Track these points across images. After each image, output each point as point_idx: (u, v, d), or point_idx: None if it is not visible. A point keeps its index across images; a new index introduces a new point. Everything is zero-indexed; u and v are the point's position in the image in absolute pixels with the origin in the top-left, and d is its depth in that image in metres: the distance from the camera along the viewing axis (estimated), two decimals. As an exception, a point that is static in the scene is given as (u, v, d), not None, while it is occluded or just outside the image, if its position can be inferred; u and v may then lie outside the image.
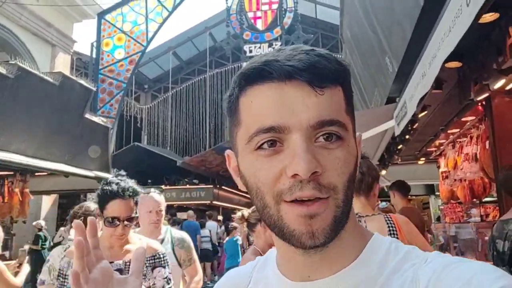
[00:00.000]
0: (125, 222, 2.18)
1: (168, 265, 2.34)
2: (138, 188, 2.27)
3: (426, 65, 2.75)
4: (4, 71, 6.20)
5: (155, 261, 2.30)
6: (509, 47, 2.67)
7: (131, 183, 2.26)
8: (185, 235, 3.21)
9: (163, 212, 2.98)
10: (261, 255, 2.66)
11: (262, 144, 0.60)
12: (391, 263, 0.63)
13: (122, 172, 2.34)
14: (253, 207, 3.26)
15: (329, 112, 0.59)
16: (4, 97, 6.34)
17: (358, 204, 2.34)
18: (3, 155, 6.10)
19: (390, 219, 2.25)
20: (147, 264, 2.25)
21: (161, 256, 2.35)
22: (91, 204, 4.92)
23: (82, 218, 3.28)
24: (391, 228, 2.20)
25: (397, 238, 2.16)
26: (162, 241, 2.93)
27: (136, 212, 2.27)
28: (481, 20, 2.62)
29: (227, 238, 10.12)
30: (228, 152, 0.73)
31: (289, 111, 0.58)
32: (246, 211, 3.24)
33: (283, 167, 0.58)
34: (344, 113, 0.62)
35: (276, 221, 0.60)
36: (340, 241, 0.62)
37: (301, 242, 0.59)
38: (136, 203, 2.26)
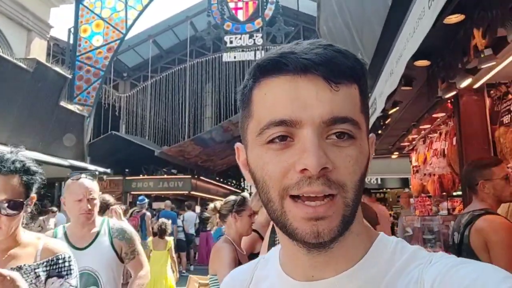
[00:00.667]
0: (1, 210, 1.57)
1: (72, 273, 1.77)
2: (33, 165, 1.71)
3: (394, 63, 2.83)
4: (-25, 56, 6.05)
5: (50, 268, 1.73)
6: (473, 47, 2.77)
7: (22, 157, 1.70)
8: (126, 226, 2.92)
9: (97, 201, 2.61)
10: (232, 244, 2.72)
11: (273, 139, 0.59)
12: (397, 263, 0.63)
13: (22, 147, 1.81)
14: (225, 199, 3.35)
15: (343, 109, 0.58)
16: (-25, 82, 6.19)
17: None
18: (-27, 142, 5.98)
19: None
20: (39, 272, 1.70)
21: (61, 261, 1.76)
22: (106, 195, 4.68)
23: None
24: None
25: None
26: (97, 234, 2.61)
27: (27, 197, 1.68)
28: (447, 21, 2.72)
29: (215, 228, 10.18)
30: (238, 145, 0.72)
31: (302, 105, 0.57)
32: (218, 203, 3.35)
33: (292, 162, 0.57)
34: (359, 112, 0.61)
35: (279, 216, 0.60)
36: (345, 241, 0.61)
37: (305, 240, 0.58)
38: (27, 186, 1.66)
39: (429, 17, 1.91)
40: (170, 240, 7.06)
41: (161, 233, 6.85)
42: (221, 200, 3.53)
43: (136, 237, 2.78)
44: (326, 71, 0.58)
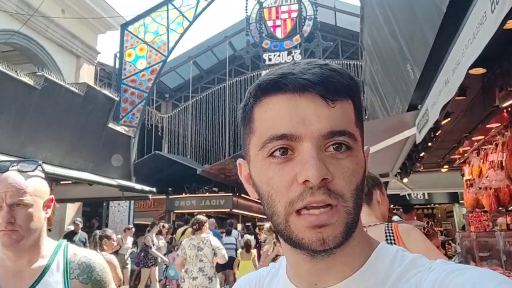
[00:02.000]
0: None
1: None
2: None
3: (450, 72, 2.73)
4: (31, 82, 6.39)
5: None
6: (535, 53, 2.64)
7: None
8: (96, 258, 1.64)
9: (37, 211, 1.48)
10: None
11: (274, 151, 0.62)
12: (397, 270, 0.64)
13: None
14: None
15: (339, 123, 0.61)
16: (31, 107, 6.53)
17: (362, 215, 2.33)
18: (30, 164, 6.26)
19: (390, 227, 2.21)
20: None
21: None
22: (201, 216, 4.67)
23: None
24: (388, 236, 2.15)
25: (395, 244, 2.12)
26: (45, 269, 1.50)
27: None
28: (506, 26, 2.60)
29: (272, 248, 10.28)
30: (240, 160, 0.75)
31: (301, 121, 0.61)
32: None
33: (294, 174, 0.60)
34: (354, 125, 0.64)
35: (283, 229, 0.62)
36: (347, 249, 0.64)
37: (311, 248, 0.60)
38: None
39: (493, 22, 1.83)
40: (253, 252, 8.55)
41: (247, 247, 8.44)
42: (263, 218, 3.55)
43: (109, 277, 1.66)
44: (323, 90, 0.61)
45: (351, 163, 0.62)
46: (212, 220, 12.57)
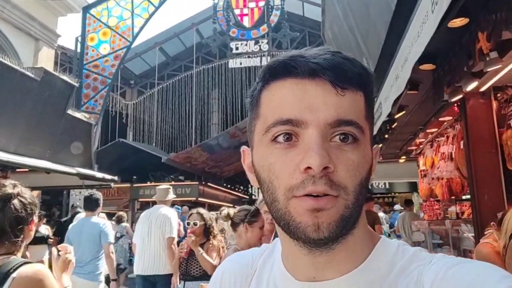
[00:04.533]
0: None
1: None
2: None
3: (399, 67, 2.82)
4: (-17, 66, 6.12)
5: None
6: (478, 51, 2.75)
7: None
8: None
9: None
10: None
11: (278, 136, 0.60)
12: (398, 265, 0.63)
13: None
14: (239, 207, 3.36)
15: (348, 113, 0.59)
16: (-17, 92, 6.26)
17: None
18: (-18, 151, 6.04)
19: None
20: None
21: None
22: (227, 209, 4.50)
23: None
24: None
25: None
26: None
27: None
28: (452, 25, 2.70)
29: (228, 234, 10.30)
30: (243, 148, 0.74)
31: (308, 107, 0.59)
32: (232, 210, 3.38)
33: (297, 162, 0.58)
34: (363, 118, 0.62)
35: (283, 214, 0.60)
36: (348, 244, 0.62)
37: (306, 234, 0.58)
38: None
39: (433, 21, 1.90)
40: None
41: None
42: (230, 206, 3.59)
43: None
44: (333, 76, 0.59)
45: (357, 156, 0.60)
46: (186, 207, 12.50)
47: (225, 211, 3.44)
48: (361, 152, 0.61)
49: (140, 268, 5.30)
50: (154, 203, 5.93)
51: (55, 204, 15.53)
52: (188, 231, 4.16)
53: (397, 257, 0.65)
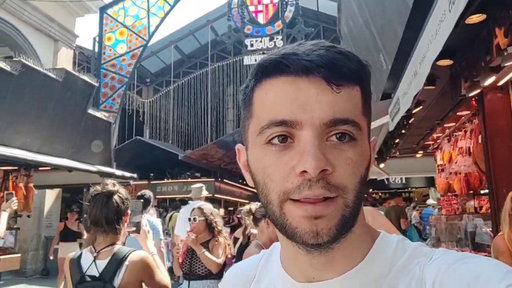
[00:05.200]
0: None
1: None
2: None
3: (417, 64, 2.86)
4: (8, 68, 6.31)
5: None
6: (496, 46, 2.77)
7: None
8: None
9: None
10: (263, 249, 2.85)
11: (273, 138, 0.59)
12: (398, 261, 0.62)
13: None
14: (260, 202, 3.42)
15: (344, 111, 0.57)
16: (8, 93, 6.46)
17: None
18: (8, 151, 6.24)
19: None
20: None
21: None
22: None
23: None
24: None
25: None
26: None
27: None
28: (469, 21, 2.73)
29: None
30: (238, 146, 0.72)
31: (302, 107, 0.57)
32: (253, 206, 3.44)
33: (293, 165, 0.57)
34: (360, 114, 0.60)
35: (278, 217, 0.59)
36: (347, 243, 0.61)
37: (303, 240, 0.57)
38: None
39: (450, 20, 1.95)
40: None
41: None
42: (246, 203, 3.66)
43: None
44: (328, 73, 0.57)
45: (355, 155, 0.58)
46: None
47: (247, 206, 3.52)
48: (359, 149, 0.59)
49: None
50: (171, 199, 6.32)
51: (74, 202, 15.84)
52: (188, 229, 3.94)
53: (397, 253, 0.63)
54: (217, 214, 4.01)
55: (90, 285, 2.14)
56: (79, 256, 2.27)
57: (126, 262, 2.19)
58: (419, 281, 0.58)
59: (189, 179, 18.87)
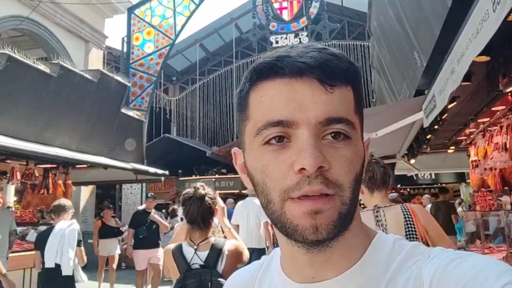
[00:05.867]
0: None
1: None
2: None
3: (455, 62, 2.88)
4: (48, 70, 6.58)
5: None
6: (536, 43, 2.77)
7: None
8: None
9: None
10: None
11: (270, 139, 0.60)
12: (396, 260, 0.63)
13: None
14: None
15: (337, 110, 0.59)
16: (48, 94, 6.74)
17: (379, 197, 2.60)
18: (49, 150, 6.52)
19: (405, 207, 2.48)
20: None
21: None
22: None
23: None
24: (406, 216, 2.41)
25: (413, 224, 2.38)
26: None
27: None
28: (509, 18, 2.73)
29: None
30: (234, 149, 0.73)
31: (298, 107, 0.58)
32: None
33: (291, 163, 0.58)
34: (353, 113, 0.62)
35: (279, 216, 0.60)
36: (344, 241, 0.62)
37: (304, 236, 0.58)
38: None
39: (494, 20, 1.98)
40: None
41: None
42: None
43: None
44: (321, 74, 0.59)
45: (350, 152, 0.60)
46: (231, 199, 12.70)
47: (258, 201, 3.62)
48: (353, 147, 0.61)
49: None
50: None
51: (106, 198, 16.31)
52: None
53: (394, 252, 0.64)
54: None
55: (198, 272, 2.54)
56: (180, 248, 2.66)
57: (226, 252, 2.63)
58: (417, 280, 0.59)
59: (216, 176, 19.14)
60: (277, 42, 17.83)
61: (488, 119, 5.61)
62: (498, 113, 5.21)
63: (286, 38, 17.75)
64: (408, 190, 17.75)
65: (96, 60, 14.06)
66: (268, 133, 0.60)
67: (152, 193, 8.97)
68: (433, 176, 14.91)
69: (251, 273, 0.79)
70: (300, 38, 17.60)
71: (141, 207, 8.56)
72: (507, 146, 4.82)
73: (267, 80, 0.61)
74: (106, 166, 7.96)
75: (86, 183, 10.83)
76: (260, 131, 0.60)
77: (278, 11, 18.34)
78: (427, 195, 12.78)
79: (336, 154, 0.59)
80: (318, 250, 0.61)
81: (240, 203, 7.43)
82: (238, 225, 6.92)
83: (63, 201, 5.11)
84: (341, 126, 0.59)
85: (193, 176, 19.02)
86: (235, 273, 0.86)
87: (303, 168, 0.56)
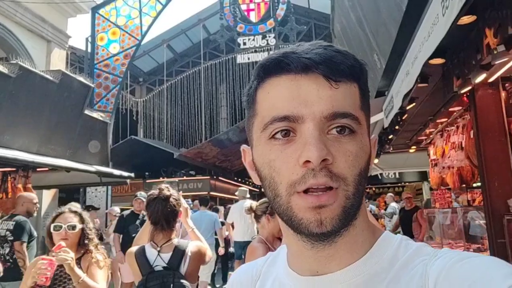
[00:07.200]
0: None
1: None
2: None
3: (410, 64, 2.98)
4: (6, 71, 6.35)
5: None
6: (486, 46, 2.90)
7: None
8: None
9: None
10: (266, 243, 2.99)
11: (276, 133, 0.61)
12: (401, 258, 0.64)
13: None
14: (261, 200, 3.55)
15: (342, 105, 0.60)
16: (6, 96, 6.50)
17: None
18: (8, 153, 6.28)
19: None
20: None
21: None
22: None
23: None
24: None
25: None
26: None
27: None
28: (460, 22, 2.85)
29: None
30: (243, 147, 0.75)
31: (303, 102, 0.60)
32: (254, 203, 3.58)
33: (296, 157, 0.59)
34: (359, 109, 0.63)
35: (285, 210, 0.61)
36: (350, 236, 0.63)
37: (309, 229, 0.59)
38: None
39: (443, 24, 2.06)
40: None
41: None
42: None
43: None
44: (326, 70, 0.60)
45: (355, 147, 0.61)
46: (197, 201, 12.57)
47: (247, 204, 3.67)
48: (358, 142, 0.62)
49: (239, 236, 8.31)
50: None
51: (70, 202, 15.83)
52: (58, 239, 2.65)
53: (400, 250, 0.65)
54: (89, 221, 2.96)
55: (161, 274, 2.55)
56: (143, 251, 2.66)
57: (189, 253, 2.66)
58: (422, 277, 0.59)
59: (184, 178, 18.96)
60: (244, 43, 17.88)
61: (446, 119, 5.81)
62: (455, 113, 5.40)
63: (253, 39, 17.82)
64: (374, 189, 18.16)
65: (58, 61, 13.65)
66: (274, 127, 0.61)
67: (142, 192, 8.14)
68: (397, 175, 15.31)
69: (256, 267, 0.81)
70: (267, 40, 17.72)
71: (126, 212, 7.64)
72: (463, 145, 5.01)
73: (274, 76, 0.63)
74: (68, 169, 7.74)
75: (48, 187, 10.50)
76: (267, 126, 0.62)
77: (246, 13, 18.39)
78: (390, 194, 13.11)
79: (340, 148, 0.60)
80: (323, 245, 0.62)
81: (234, 205, 8.99)
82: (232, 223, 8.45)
83: None
84: (346, 121, 0.60)
85: (161, 178, 18.74)
86: (241, 267, 0.88)
87: (308, 161, 0.58)
